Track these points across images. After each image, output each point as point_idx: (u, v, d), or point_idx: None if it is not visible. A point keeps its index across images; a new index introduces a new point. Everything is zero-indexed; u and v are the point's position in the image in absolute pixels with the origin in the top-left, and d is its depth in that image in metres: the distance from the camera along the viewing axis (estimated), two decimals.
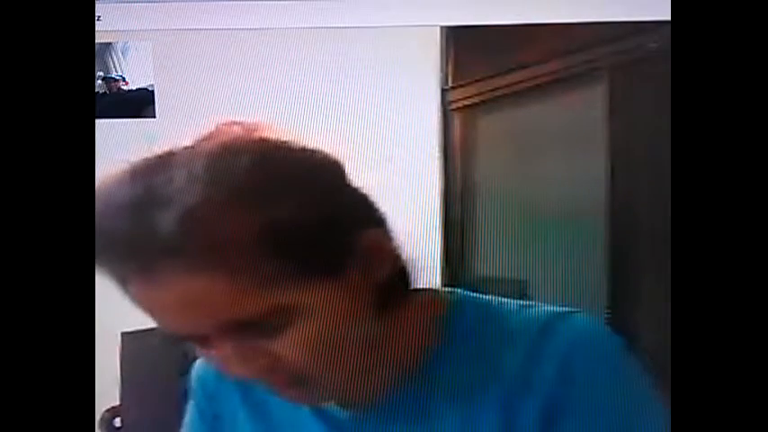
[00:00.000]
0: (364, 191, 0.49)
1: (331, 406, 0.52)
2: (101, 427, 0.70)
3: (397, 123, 0.66)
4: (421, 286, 0.52)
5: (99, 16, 0.64)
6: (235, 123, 0.48)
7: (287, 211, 0.43)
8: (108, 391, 0.70)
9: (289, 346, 0.45)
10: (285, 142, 0.47)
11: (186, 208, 0.41)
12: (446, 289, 0.54)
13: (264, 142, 0.46)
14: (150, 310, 0.45)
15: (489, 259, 0.68)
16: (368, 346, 0.48)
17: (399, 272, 0.49)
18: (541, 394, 0.48)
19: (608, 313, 0.71)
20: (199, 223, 0.42)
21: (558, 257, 0.68)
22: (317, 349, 0.46)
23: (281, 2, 0.65)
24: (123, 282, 0.44)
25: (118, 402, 0.71)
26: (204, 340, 0.46)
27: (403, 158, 0.66)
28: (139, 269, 0.43)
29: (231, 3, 0.65)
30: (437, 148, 0.69)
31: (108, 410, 0.71)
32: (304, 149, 0.47)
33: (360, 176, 0.49)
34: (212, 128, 0.47)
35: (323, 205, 0.45)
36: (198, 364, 0.57)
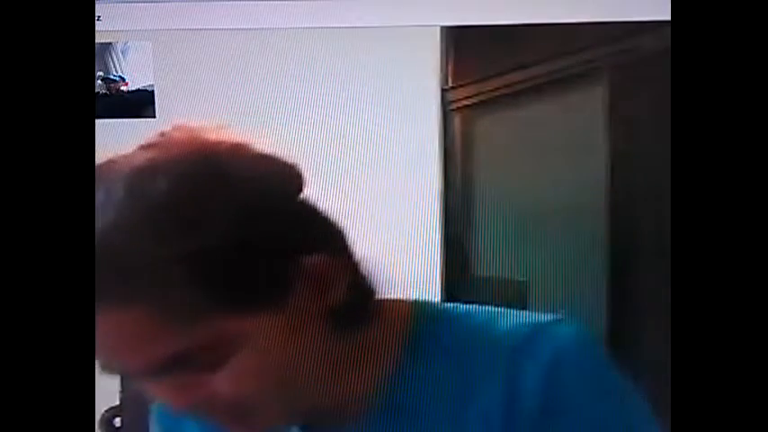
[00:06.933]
0: (315, 209, 0.46)
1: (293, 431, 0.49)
2: (101, 427, 0.70)
3: (397, 123, 0.66)
4: (390, 297, 0.49)
5: (99, 16, 0.64)
6: (177, 130, 0.44)
7: (212, 239, 0.40)
8: (108, 391, 0.70)
9: (230, 379, 0.42)
10: (227, 157, 0.43)
11: (99, 233, 0.38)
12: (417, 299, 0.51)
13: (200, 158, 0.42)
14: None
15: (489, 259, 0.68)
16: (325, 368, 0.46)
17: (356, 292, 0.46)
18: (527, 408, 0.46)
19: (608, 314, 0.71)
20: (112, 250, 0.39)
21: (558, 258, 0.68)
22: (261, 380, 0.43)
23: (282, 2, 0.65)
24: None
25: (118, 402, 0.71)
26: (141, 375, 0.43)
27: (403, 158, 0.66)
28: None
29: (231, 3, 0.65)
30: (437, 148, 0.69)
31: (108, 410, 0.71)
32: (246, 167, 0.43)
33: (314, 191, 0.45)
34: (154, 135, 0.44)
35: (259, 231, 0.42)
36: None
